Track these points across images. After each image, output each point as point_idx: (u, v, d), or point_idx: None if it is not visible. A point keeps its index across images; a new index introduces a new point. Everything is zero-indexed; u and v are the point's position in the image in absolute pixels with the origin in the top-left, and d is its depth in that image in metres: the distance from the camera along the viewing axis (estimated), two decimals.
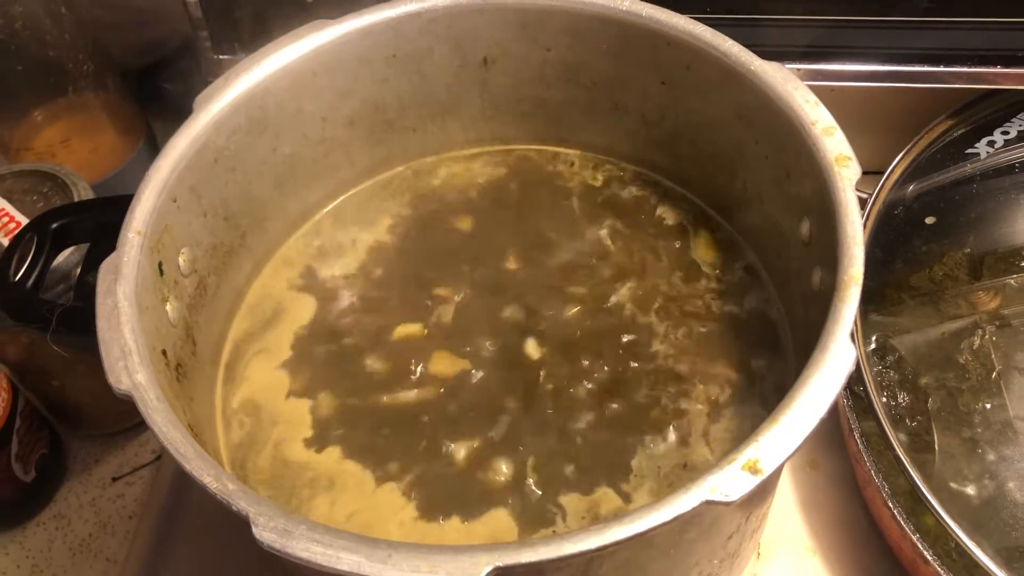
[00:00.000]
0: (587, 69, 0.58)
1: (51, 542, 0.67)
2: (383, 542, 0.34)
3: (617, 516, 0.34)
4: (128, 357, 0.41)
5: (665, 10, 0.53)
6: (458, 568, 0.33)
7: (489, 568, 0.33)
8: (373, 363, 0.54)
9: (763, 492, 0.47)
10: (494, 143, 0.64)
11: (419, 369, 0.53)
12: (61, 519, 0.68)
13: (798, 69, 0.65)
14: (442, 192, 0.62)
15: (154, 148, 0.83)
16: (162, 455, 0.70)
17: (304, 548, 0.34)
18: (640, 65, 0.55)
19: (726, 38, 0.51)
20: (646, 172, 0.62)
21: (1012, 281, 0.62)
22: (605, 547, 0.34)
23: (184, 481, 0.66)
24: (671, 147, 0.59)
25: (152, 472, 0.70)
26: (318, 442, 0.51)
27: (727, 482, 0.35)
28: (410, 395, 0.52)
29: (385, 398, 0.52)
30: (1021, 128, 0.66)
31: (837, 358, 0.38)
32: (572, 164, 0.63)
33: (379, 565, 0.34)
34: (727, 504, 0.34)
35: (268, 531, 0.35)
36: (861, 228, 0.42)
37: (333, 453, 0.51)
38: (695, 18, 0.52)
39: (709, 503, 0.34)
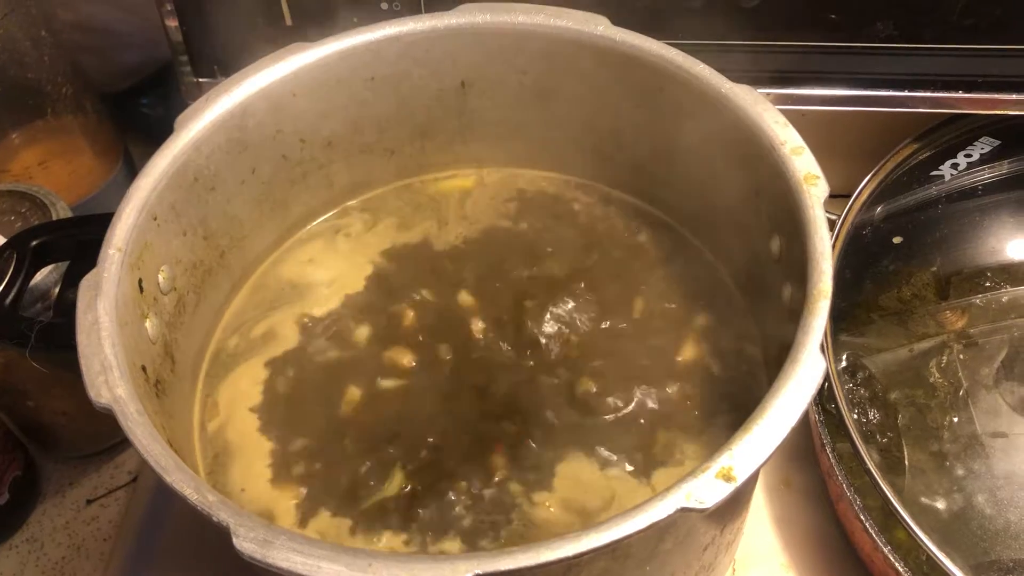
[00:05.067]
0: (562, 92, 0.59)
1: (23, 566, 0.67)
2: (363, 551, 0.35)
3: (594, 525, 0.35)
4: (108, 371, 0.41)
5: (639, 35, 0.54)
6: None
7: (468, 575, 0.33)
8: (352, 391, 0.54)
9: (737, 502, 0.48)
10: (471, 165, 0.65)
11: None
12: (34, 542, 0.68)
13: (768, 94, 0.67)
14: (420, 213, 0.63)
15: (132, 171, 0.83)
16: (138, 477, 0.69)
17: (284, 558, 0.34)
18: (614, 88, 0.57)
19: (697, 61, 0.52)
20: (621, 193, 0.63)
21: (978, 301, 0.63)
22: (582, 554, 0.34)
23: (159, 503, 0.65)
24: (645, 168, 0.60)
25: (127, 494, 0.69)
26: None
27: (702, 489, 0.35)
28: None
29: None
30: (983, 151, 0.68)
31: (808, 368, 0.39)
32: (548, 186, 0.64)
33: (359, 574, 0.34)
34: (702, 511, 0.35)
35: (249, 541, 0.35)
36: (830, 243, 0.43)
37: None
38: (668, 43, 0.53)
39: (684, 510, 0.35)
